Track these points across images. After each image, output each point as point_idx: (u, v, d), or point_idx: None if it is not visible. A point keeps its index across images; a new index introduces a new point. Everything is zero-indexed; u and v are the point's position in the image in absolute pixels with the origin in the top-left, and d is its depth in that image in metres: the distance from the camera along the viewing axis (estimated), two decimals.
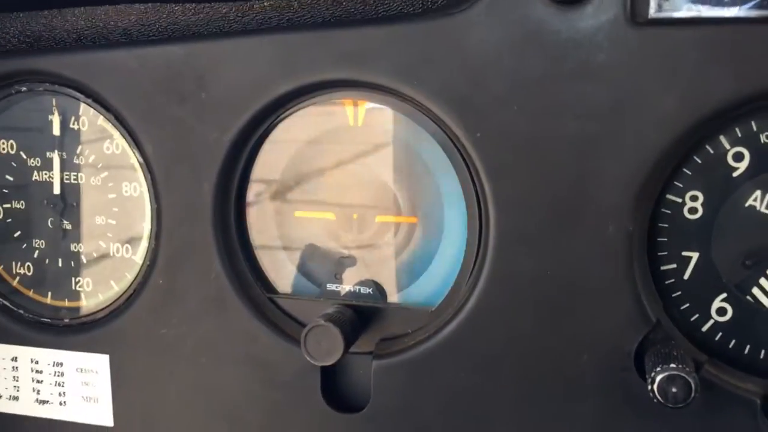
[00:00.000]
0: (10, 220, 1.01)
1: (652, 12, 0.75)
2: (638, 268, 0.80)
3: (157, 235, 0.93)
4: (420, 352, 0.87)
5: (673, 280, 0.83)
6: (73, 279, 1.01)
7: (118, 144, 0.96)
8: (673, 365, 0.74)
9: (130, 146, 0.94)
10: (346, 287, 0.93)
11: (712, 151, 0.80)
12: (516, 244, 0.82)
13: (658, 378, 0.74)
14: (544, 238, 0.81)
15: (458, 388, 0.86)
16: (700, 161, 0.80)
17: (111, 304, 0.98)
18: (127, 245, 0.98)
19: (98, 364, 0.97)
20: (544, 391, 0.84)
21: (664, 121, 0.76)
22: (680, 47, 0.74)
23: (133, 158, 0.95)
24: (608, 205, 0.79)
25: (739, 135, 0.79)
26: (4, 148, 1.00)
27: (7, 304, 1.02)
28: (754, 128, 0.78)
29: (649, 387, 0.75)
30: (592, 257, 0.80)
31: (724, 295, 0.82)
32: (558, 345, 0.83)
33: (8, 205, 1.01)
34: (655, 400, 0.74)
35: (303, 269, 0.94)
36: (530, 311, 0.83)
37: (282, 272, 0.95)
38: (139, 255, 0.97)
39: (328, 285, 0.93)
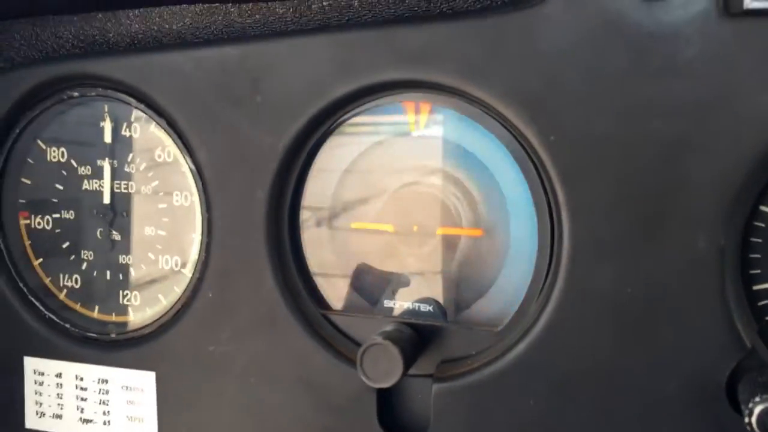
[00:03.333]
0: (59, 230, 0.98)
1: (749, 2, 0.68)
2: (731, 286, 0.72)
3: (207, 246, 0.89)
4: (485, 375, 0.80)
5: (767, 302, 0.75)
6: (120, 292, 0.97)
7: (169, 151, 0.92)
8: None
9: (182, 153, 0.90)
10: (404, 304, 0.87)
11: None
12: (592, 258, 0.75)
13: (758, 409, 0.66)
14: (624, 252, 0.74)
15: (526, 415, 0.79)
16: None
17: (158, 318, 0.94)
18: (177, 258, 0.94)
19: (144, 381, 0.93)
20: (622, 423, 0.76)
21: (761, 122, 0.68)
22: None
23: (184, 166, 0.91)
24: (697, 215, 0.71)
25: None
26: (54, 156, 0.97)
27: (54, 318, 0.98)
28: None
29: (747, 419, 0.67)
30: (678, 274, 0.73)
31: None
32: (639, 372, 0.75)
33: (57, 215, 0.98)
34: None
35: (359, 285, 0.89)
36: (608, 333, 0.75)
37: (336, 287, 0.89)
38: (188, 268, 0.93)
39: (385, 302, 0.87)
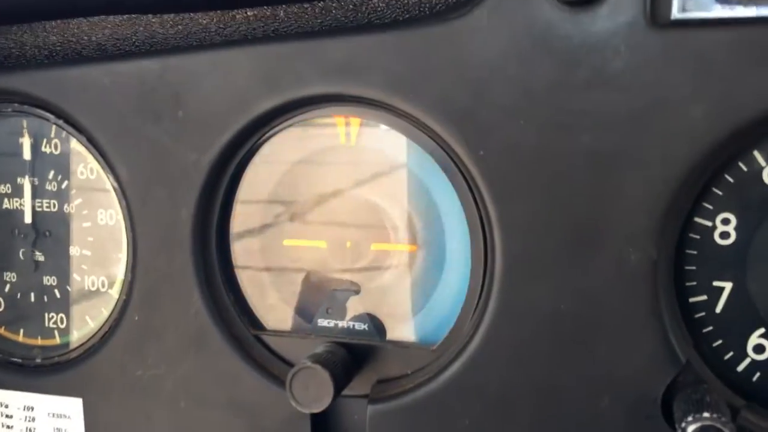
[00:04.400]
0: None
1: (676, 13, 0.67)
2: (664, 301, 0.71)
3: (133, 267, 0.86)
4: (420, 395, 0.78)
5: (703, 314, 0.74)
6: (46, 315, 0.93)
7: (92, 168, 0.89)
8: (706, 414, 0.65)
9: (104, 170, 0.86)
10: (339, 323, 0.84)
11: (745, 168, 0.71)
12: (525, 275, 0.73)
13: (690, 429, 0.65)
14: (556, 268, 0.72)
15: None
16: (732, 180, 0.71)
17: (85, 342, 0.90)
18: (103, 278, 0.90)
19: (71, 408, 0.89)
20: None
21: (691, 134, 0.67)
22: (709, 50, 0.66)
23: (108, 183, 0.87)
24: (629, 229, 0.70)
25: None
26: None
27: None
28: None
29: None
30: (611, 289, 0.71)
31: (762, 330, 0.73)
32: (574, 389, 0.74)
33: None
34: None
35: (292, 303, 0.86)
36: (542, 350, 0.74)
37: (269, 307, 0.86)
38: (115, 289, 0.90)
39: (319, 321, 0.85)
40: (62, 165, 0.90)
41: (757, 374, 0.74)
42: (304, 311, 0.86)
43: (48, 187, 0.91)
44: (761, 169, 0.71)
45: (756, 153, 0.70)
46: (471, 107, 0.72)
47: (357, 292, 0.84)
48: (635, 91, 0.68)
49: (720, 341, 0.74)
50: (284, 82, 0.77)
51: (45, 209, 0.91)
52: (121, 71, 0.81)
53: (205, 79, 0.79)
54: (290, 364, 0.83)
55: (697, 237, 0.73)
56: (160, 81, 0.80)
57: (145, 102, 0.81)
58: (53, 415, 0.90)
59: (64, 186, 0.90)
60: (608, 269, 0.71)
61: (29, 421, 0.91)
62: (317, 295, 0.85)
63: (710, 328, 0.74)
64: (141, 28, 0.84)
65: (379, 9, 0.78)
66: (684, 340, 0.72)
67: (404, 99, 0.74)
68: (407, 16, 0.77)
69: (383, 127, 0.80)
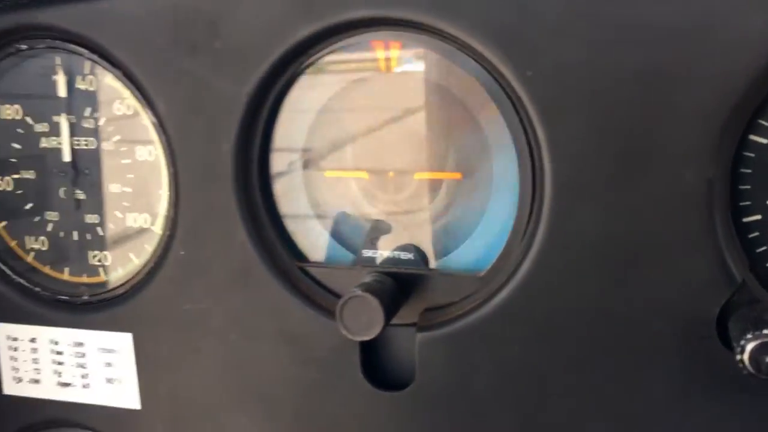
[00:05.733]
0: (20, 191, 0.94)
1: None
2: (720, 220, 0.69)
3: (175, 202, 0.85)
4: (468, 322, 0.77)
5: (757, 234, 0.72)
6: (89, 253, 0.93)
7: (129, 104, 0.87)
8: (766, 331, 0.64)
9: (141, 105, 0.85)
10: (384, 253, 0.83)
11: None
12: (576, 198, 0.72)
13: (750, 346, 0.64)
14: (608, 190, 0.71)
15: (513, 361, 0.77)
16: None
17: (132, 278, 0.91)
18: (146, 215, 0.90)
19: (120, 343, 0.90)
20: (610, 364, 0.74)
21: (750, 45, 0.64)
22: None
23: (146, 119, 0.86)
24: (684, 147, 0.68)
25: None
26: (9, 114, 0.92)
27: (23, 282, 0.95)
28: None
29: (738, 357, 0.65)
30: (665, 210, 0.70)
31: None
32: (626, 312, 0.73)
33: (17, 176, 0.93)
34: (745, 372, 0.64)
35: (336, 235, 0.85)
36: (593, 274, 0.73)
37: (313, 239, 0.86)
38: (158, 225, 0.89)
39: (364, 251, 0.84)
40: (98, 101, 0.89)
41: None
42: (348, 242, 0.85)
43: (85, 124, 0.90)
44: None
45: None
46: (516, 25, 0.70)
47: (402, 222, 0.83)
48: (690, 1, 0.65)
49: None
50: (322, 7, 0.75)
51: (83, 147, 0.90)
52: (155, 1, 0.79)
53: (242, 6, 0.77)
54: (336, 295, 0.83)
55: (752, 155, 0.71)
56: (195, 10, 0.78)
57: (180, 33, 0.79)
58: (103, 350, 0.91)
59: (101, 123, 0.89)
60: (661, 190, 0.69)
61: (79, 356, 0.93)
62: (361, 226, 0.84)
63: (764, 248, 0.73)
64: None
65: None
66: (740, 260, 0.71)
67: (446, 19, 0.72)
68: None
69: (424, 51, 0.78)
